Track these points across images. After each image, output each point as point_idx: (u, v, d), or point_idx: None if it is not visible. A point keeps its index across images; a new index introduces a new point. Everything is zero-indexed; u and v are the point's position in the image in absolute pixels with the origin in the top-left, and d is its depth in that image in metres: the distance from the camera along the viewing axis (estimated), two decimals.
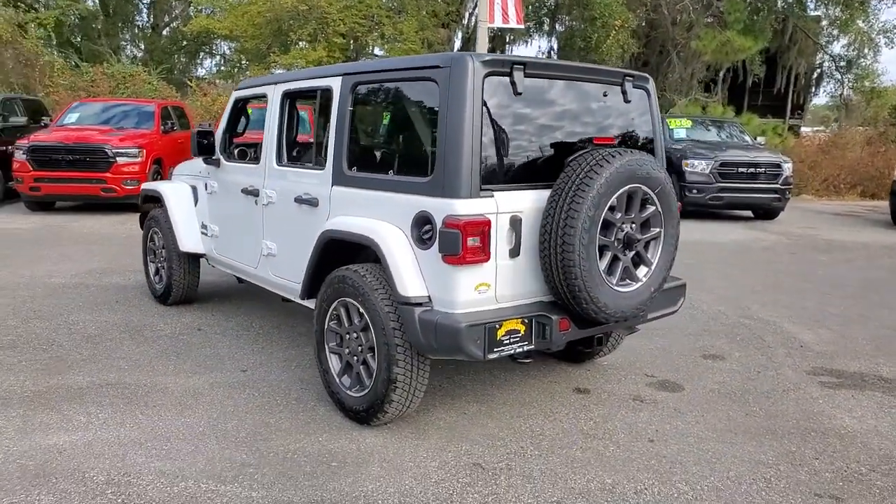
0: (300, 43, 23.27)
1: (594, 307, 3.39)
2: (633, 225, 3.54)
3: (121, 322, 5.46)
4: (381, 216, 3.57)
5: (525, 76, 3.44)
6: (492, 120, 3.33)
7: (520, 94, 3.41)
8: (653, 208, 3.59)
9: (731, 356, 5.03)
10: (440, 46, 23.66)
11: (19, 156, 10.64)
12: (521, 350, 3.39)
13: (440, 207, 3.26)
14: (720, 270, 8.04)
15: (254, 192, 4.66)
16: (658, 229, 3.66)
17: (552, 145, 3.57)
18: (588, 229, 3.26)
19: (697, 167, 11.70)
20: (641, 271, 3.65)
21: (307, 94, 4.37)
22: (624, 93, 3.91)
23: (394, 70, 3.70)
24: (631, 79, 3.94)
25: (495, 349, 3.28)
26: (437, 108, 3.34)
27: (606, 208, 3.35)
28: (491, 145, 3.34)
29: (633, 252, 3.58)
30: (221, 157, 5.15)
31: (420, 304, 3.33)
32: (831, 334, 5.62)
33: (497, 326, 3.27)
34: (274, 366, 4.60)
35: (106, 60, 22.81)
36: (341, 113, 3.89)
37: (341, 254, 3.82)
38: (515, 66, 3.39)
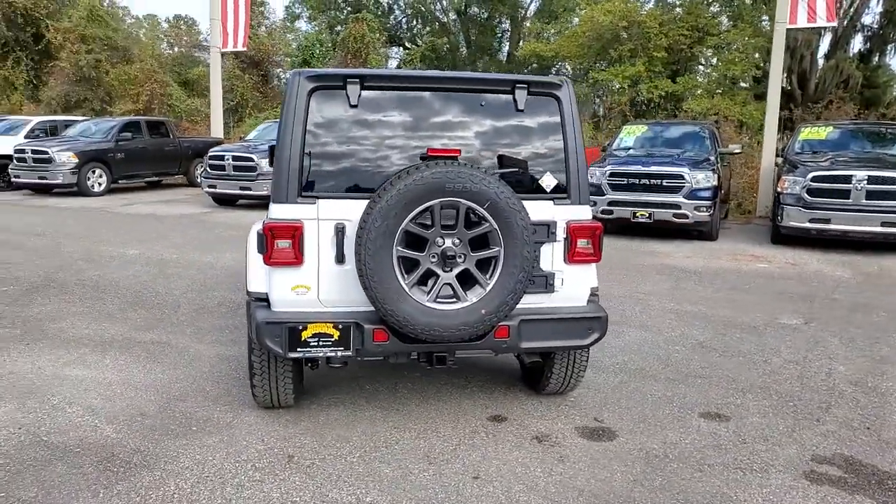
0: (622, 59, 23.15)
1: (395, 320, 3.32)
2: (458, 241, 3.33)
3: (229, 300, 6.65)
4: None
5: (364, 89, 3.52)
6: (320, 131, 3.50)
7: (355, 106, 3.50)
8: (486, 225, 3.32)
9: (741, 421, 4.09)
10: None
11: None
12: (333, 354, 3.49)
13: (269, 211, 3.56)
14: None
15: None
16: (496, 248, 3.36)
17: (394, 157, 3.55)
18: (374, 240, 3.23)
19: None
20: (476, 291, 3.39)
21: None
22: (515, 101, 3.63)
23: None
24: (525, 86, 3.63)
25: (299, 349, 3.45)
26: None
27: (408, 221, 3.26)
28: (320, 155, 3.50)
29: (457, 269, 3.36)
30: None
31: (258, 300, 3.66)
32: None
33: (301, 328, 3.44)
34: None
35: None
36: None
37: None
38: (349, 79, 3.49)
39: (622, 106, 21.84)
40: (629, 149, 11.86)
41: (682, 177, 10.31)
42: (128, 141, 16.16)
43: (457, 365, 3.79)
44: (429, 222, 3.32)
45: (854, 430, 3.97)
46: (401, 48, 34.08)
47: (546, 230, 3.62)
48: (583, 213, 3.72)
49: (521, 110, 3.65)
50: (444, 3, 33.12)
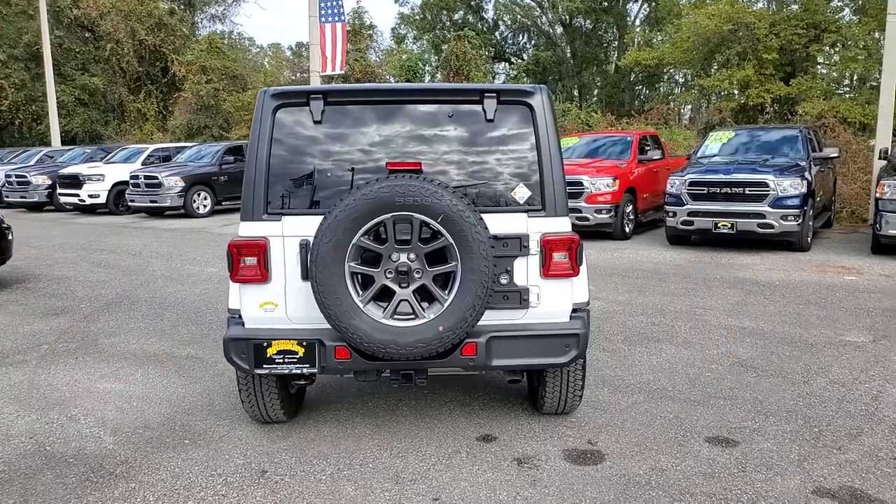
0: (730, 63, 22.04)
1: (350, 336, 3.29)
2: (413, 256, 3.26)
3: None
4: None
5: (328, 104, 3.53)
6: (285, 149, 3.54)
7: (319, 122, 3.52)
8: (442, 239, 3.23)
9: (749, 448, 3.72)
10: None
11: None
12: (299, 371, 3.50)
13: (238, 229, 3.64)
14: None
15: None
16: (453, 263, 3.25)
17: (360, 172, 3.52)
18: (324, 256, 3.22)
19: None
20: (433, 308, 3.30)
21: None
22: (484, 111, 3.52)
23: None
24: (493, 94, 3.52)
25: (265, 365, 3.49)
26: None
27: (360, 236, 3.23)
28: (284, 172, 3.54)
29: (414, 285, 3.28)
30: None
31: (233, 317, 3.73)
32: None
33: (266, 344, 3.48)
34: None
35: (558, 98, 25.52)
36: None
37: None
38: (312, 95, 3.51)
39: (725, 112, 20.77)
40: (714, 156, 11.23)
41: (765, 184, 9.63)
42: (230, 164, 17.11)
43: (424, 382, 3.68)
44: (383, 237, 3.27)
45: (877, 461, 3.52)
46: (506, 63, 34.17)
47: (518, 243, 3.48)
48: (559, 225, 3.54)
49: (491, 120, 3.54)
50: (550, 16, 32.95)
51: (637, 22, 32.37)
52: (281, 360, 3.48)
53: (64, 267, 10.00)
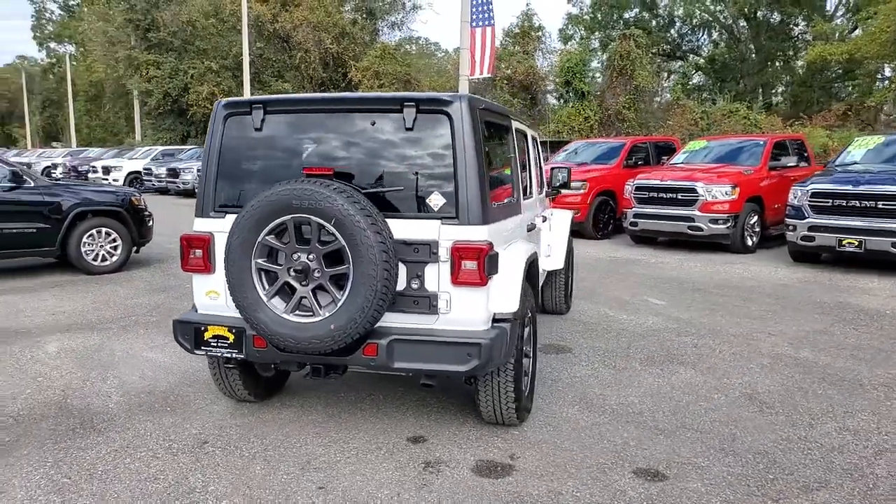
0: None
1: (256, 328, 3.57)
2: (312, 256, 3.45)
3: None
4: None
5: (267, 113, 3.81)
6: (232, 153, 3.88)
7: (259, 129, 3.81)
8: (336, 242, 3.39)
9: (672, 485, 3.45)
10: None
11: (627, 192, 11.51)
12: (230, 355, 3.83)
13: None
14: None
15: None
16: (346, 265, 3.39)
17: (291, 175, 3.75)
18: (233, 251, 3.52)
19: None
20: (330, 307, 3.46)
21: None
22: (404, 120, 3.61)
23: None
24: (413, 103, 3.59)
25: (202, 347, 3.87)
26: None
27: (265, 235, 3.48)
28: (230, 174, 3.89)
29: (314, 284, 3.47)
30: None
31: (194, 303, 4.15)
32: None
33: (203, 329, 3.85)
34: None
35: (725, 97, 23.90)
36: None
37: None
38: (254, 105, 3.82)
39: None
40: (854, 164, 10.03)
41: None
42: None
43: (338, 378, 3.84)
44: (289, 237, 3.49)
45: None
46: (681, 61, 32.53)
47: (427, 250, 3.53)
48: (471, 233, 3.53)
49: (410, 128, 3.61)
50: (731, 9, 30.84)
51: (839, 13, 29.26)
52: (215, 344, 3.82)
53: None
